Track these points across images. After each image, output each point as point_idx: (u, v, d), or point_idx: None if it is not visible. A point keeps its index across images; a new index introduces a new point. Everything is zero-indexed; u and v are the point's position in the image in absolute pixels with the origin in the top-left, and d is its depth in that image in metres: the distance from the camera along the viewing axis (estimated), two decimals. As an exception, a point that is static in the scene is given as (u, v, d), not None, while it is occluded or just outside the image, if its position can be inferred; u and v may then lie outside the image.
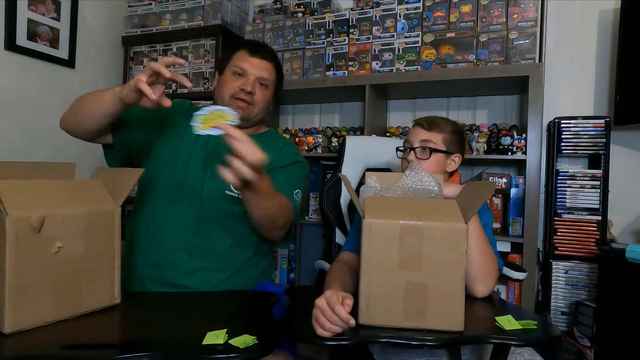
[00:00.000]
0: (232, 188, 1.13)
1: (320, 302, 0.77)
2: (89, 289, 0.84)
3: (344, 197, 1.55)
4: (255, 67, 1.18)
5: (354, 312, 0.78)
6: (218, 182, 1.01)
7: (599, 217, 1.79)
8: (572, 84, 2.03)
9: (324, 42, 2.15)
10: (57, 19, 2.21)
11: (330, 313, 0.75)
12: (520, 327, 0.78)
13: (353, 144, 1.62)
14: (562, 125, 1.86)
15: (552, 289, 1.85)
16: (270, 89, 1.23)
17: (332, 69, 2.13)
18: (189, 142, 1.19)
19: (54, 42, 2.21)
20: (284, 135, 2.32)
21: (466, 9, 1.90)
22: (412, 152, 1.16)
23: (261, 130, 1.32)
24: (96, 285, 0.86)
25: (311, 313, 0.79)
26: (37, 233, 0.75)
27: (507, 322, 0.79)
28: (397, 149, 1.24)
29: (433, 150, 1.15)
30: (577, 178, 1.83)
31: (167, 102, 0.95)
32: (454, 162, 1.20)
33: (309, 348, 1.49)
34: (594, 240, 1.78)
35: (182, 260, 1.12)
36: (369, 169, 1.58)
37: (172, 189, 1.15)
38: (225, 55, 1.25)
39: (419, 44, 1.97)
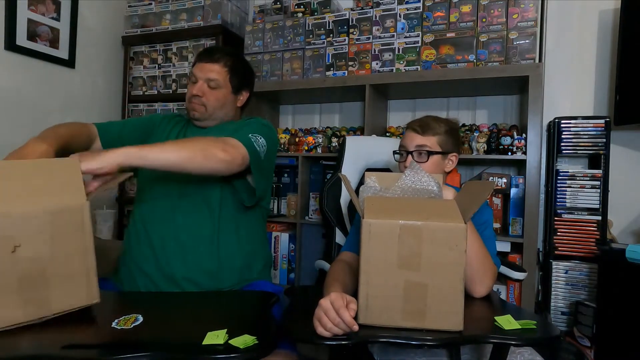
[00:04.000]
0: None
1: (325, 302, 0.77)
2: (60, 290, 0.79)
3: (344, 197, 1.55)
4: (202, 71, 1.27)
5: (354, 312, 0.78)
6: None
7: (599, 217, 1.79)
8: (572, 84, 2.03)
9: (324, 42, 2.15)
10: (57, 19, 2.21)
11: (334, 315, 0.75)
12: (520, 327, 0.78)
13: (353, 144, 1.62)
14: (562, 125, 1.86)
15: (552, 289, 1.85)
16: (224, 87, 1.28)
17: (332, 69, 2.13)
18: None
19: (54, 42, 2.21)
20: (284, 135, 2.31)
21: (466, 9, 1.90)
22: (409, 156, 1.18)
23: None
24: (69, 286, 0.80)
25: (311, 313, 0.79)
26: None
27: (507, 322, 0.80)
28: (394, 153, 1.25)
29: (430, 153, 1.17)
30: (577, 178, 1.83)
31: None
32: (451, 161, 1.22)
33: (309, 347, 1.49)
34: (594, 240, 1.78)
35: (176, 250, 1.16)
36: (368, 169, 1.58)
37: (158, 184, 1.23)
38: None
39: (419, 44, 1.97)
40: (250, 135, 1.16)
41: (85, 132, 1.19)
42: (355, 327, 0.76)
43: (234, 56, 1.33)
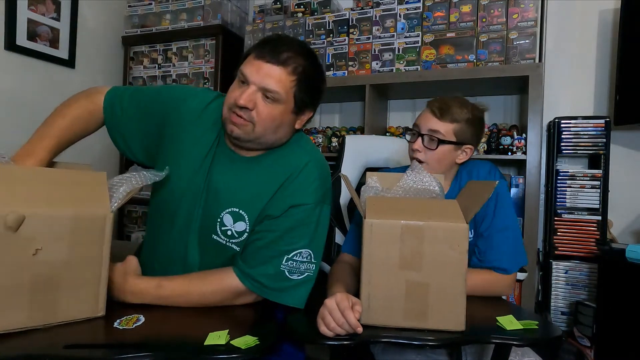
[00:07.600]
0: (219, 233, 0.97)
1: (330, 302, 0.77)
2: (69, 297, 0.78)
3: (344, 197, 1.55)
4: (259, 73, 0.88)
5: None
6: (210, 223, 0.95)
7: (599, 217, 1.79)
8: (572, 84, 2.03)
9: (324, 42, 2.15)
10: (57, 19, 2.21)
11: (339, 315, 0.75)
12: (522, 327, 0.78)
13: (352, 143, 1.62)
14: (562, 125, 1.86)
15: (552, 289, 1.85)
16: (284, 104, 0.90)
17: (332, 69, 2.13)
18: (186, 175, 0.97)
19: (54, 42, 2.20)
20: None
21: (466, 9, 1.90)
22: (419, 138, 1.10)
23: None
24: (77, 294, 0.79)
25: (312, 313, 0.79)
26: (13, 232, 0.70)
27: (509, 322, 0.80)
28: (406, 130, 1.17)
29: (440, 142, 1.07)
30: (577, 178, 1.83)
31: None
32: (465, 153, 1.12)
33: (311, 348, 1.49)
34: (594, 240, 1.78)
35: None
36: (368, 169, 1.58)
37: (168, 217, 1.00)
38: (242, 57, 0.97)
39: (419, 44, 1.97)
40: (291, 262, 0.90)
41: (91, 124, 1.09)
42: (360, 329, 0.75)
43: (307, 59, 0.92)
